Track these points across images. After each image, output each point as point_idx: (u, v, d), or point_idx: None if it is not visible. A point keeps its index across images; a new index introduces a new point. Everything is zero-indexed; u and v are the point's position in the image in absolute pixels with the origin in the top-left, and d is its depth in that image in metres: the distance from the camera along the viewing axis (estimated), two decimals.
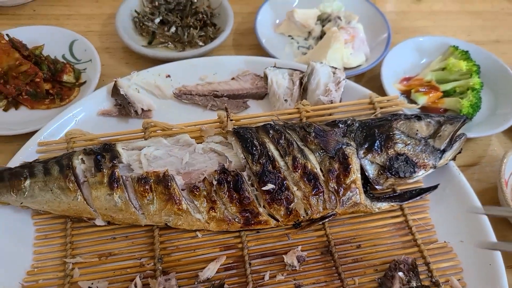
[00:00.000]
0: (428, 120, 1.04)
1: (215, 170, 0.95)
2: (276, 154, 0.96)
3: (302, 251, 0.94)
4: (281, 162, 0.96)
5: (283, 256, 0.93)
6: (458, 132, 1.03)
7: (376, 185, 1.00)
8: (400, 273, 0.89)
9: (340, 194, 0.96)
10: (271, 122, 1.02)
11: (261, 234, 0.97)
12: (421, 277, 0.91)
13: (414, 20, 1.64)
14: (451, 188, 1.04)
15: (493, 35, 1.62)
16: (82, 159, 0.95)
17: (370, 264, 0.94)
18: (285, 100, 1.15)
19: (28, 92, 1.17)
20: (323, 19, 1.44)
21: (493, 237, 0.95)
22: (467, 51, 1.35)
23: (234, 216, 0.95)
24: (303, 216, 0.96)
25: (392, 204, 1.00)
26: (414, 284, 0.88)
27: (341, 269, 0.92)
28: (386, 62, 1.31)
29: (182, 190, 0.95)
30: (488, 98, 1.31)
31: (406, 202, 1.01)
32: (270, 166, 0.94)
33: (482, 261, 0.93)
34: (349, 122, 1.03)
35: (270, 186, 0.93)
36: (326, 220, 0.97)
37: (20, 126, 1.12)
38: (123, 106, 1.12)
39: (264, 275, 0.91)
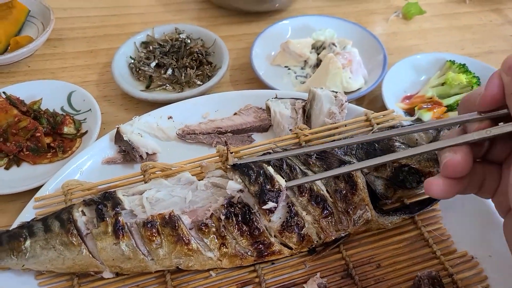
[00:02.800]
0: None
1: (222, 205, 0.88)
2: (273, 173, 0.90)
3: (321, 277, 0.87)
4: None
5: (303, 286, 0.86)
6: None
7: (385, 199, 0.94)
8: None
9: (351, 213, 0.89)
10: (270, 150, 0.97)
11: (276, 265, 0.90)
12: None
13: (406, 40, 1.60)
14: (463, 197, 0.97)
15: (485, 47, 1.57)
16: (82, 211, 0.88)
17: (393, 283, 0.87)
18: (290, 130, 1.10)
19: (29, 147, 1.12)
20: (318, 47, 1.40)
21: None
22: (464, 64, 1.31)
23: (246, 250, 0.88)
24: (317, 241, 0.89)
25: (404, 216, 0.94)
26: None
27: None
28: (386, 83, 1.26)
29: (190, 229, 0.88)
30: None
31: (417, 213, 0.95)
32: (269, 185, 0.88)
33: (505, 265, 0.87)
34: None
35: (271, 205, 0.86)
36: (341, 241, 0.90)
37: (24, 183, 1.05)
38: (128, 152, 1.06)
39: None
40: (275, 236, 0.89)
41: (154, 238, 0.85)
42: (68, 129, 1.17)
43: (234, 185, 0.89)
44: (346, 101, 1.09)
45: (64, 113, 1.22)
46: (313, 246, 0.90)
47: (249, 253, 0.88)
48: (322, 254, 0.91)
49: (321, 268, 0.89)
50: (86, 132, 1.18)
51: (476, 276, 0.88)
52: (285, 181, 0.89)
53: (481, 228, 0.94)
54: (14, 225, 0.90)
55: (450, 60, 1.33)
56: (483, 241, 0.92)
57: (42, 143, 1.13)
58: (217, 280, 0.89)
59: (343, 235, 0.91)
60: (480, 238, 0.93)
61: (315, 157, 0.94)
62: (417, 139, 0.98)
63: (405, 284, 0.87)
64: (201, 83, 1.30)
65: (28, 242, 0.85)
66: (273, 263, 0.91)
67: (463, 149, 0.62)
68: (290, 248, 0.90)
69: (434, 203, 0.97)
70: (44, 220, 0.88)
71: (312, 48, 1.40)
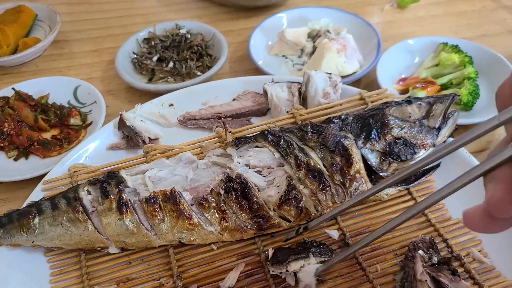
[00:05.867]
0: (419, 102, 1.00)
1: (221, 180, 0.90)
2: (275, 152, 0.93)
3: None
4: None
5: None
6: (450, 109, 0.99)
7: (381, 172, 0.95)
8: (420, 251, 0.82)
9: (347, 186, 0.90)
10: (268, 129, 0.99)
11: (276, 237, 0.91)
12: (441, 253, 0.85)
13: (401, 27, 1.61)
14: (455, 166, 0.97)
15: (479, 31, 1.58)
16: (87, 190, 0.91)
17: (389, 250, 0.88)
18: (287, 112, 1.12)
19: (39, 141, 1.15)
20: (313, 36, 1.43)
21: None
22: (457, 45, 1.31)
23: (246, 223, 0.89)
24: (314, 213, 0.90)
25: (399, 188, 0.95)
26: (435, 259, 0.81)
27: (361, 259, 0.86)
28: (380, 66, 1.28)
29: (191, 205, 0.89)
30: (485, 86, 1.26)
31: (413, 184, 0.96)
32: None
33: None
34: (343, 116, 0.99)
35: None
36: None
37: (32, 171, 1.08)
38: (131, 138, 1.08)
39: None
40: (273, 209, 0.91)
41: (156, 213, 0.87)
42: (74, 121, 1.20)
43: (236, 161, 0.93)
44: (340, 81, 1.11)
45: (71, 106, 1.25)
46: (311, 218, 0.91)
47: (249, 227, 0.90)
48: (320, 225, 0.92)
49: (319, 239, 0.90)
50: (91, 123, 1.21)
51: (471, 240, 0.89)
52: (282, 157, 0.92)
53: (475, 196, 0.93)
54: (24, 206, 0.93)
55: (443, 43, 1.33)
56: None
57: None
58: (219, 253, 0.90)
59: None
60: (473, 205, 0.93)
61: (311, 132, 0.95)
62: (410, 113, 0.99)
63: (400, 250, 0.88)
64: (201, 74, 1.33)
65: (37, 219, 0.87)
66: (272, 236, 0.92)
67: (504, 177, 0.47)
68: (289, 221, 0.91)
69: (428, 175, 0.98)
70: (52, 199, 0.90)
71: (308, 37, 1.43)
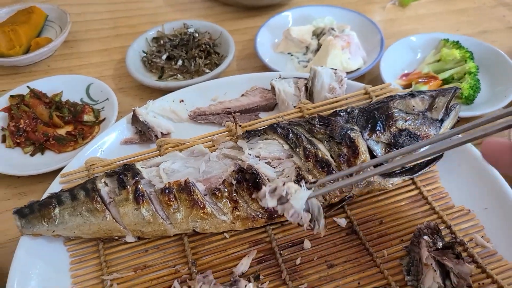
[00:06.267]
0: (422, 95, 1.03)
1: (233, 170, 0.94)
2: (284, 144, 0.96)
3: (328, 235, 0.92)
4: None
5: (311, 242, 0.91)
6: (452, 102, 1.02)
7: (385, 162, 0.98)
8: (426, 237, 0.85)
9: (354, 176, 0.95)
10: (277, 122, 1.02)
11: (286, 226, 0.94)
12: (445, 239, 0.88)
13: (403, 25, 1.65)
14: (458, 156, 1.02)
15: (479, 27, 1.62)
16: (104, 182, 0.94)
17: (395, 236, 0.91)
18: (294, 106, 1.16)
19: (55, 137, 1.19)
20: (318, 33, 1.47)
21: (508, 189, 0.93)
22: (458, 41, 1.35)
23: (257, 213, 0.93)
24: (322, 203, 0.94)
25: (404, 178, 0.98)
26: (440, 244, 0.85)
27: (368, 245, 0.89)
28: (384, 62, 1.31)
29: (204, 195, 0.93)
30: (486, 80, 1.29)
31: (417, 174, 0.99)
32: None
33: (499, 215, 0.92)
34: (348, 110, 1.01)
35: None
36: (344, 203, 0.95)
37: (49, 166, 1.12)
38: (144, 132, 1.12)
39: (295, 261, 0.88)
40: None
41: (171, 203, 0.91)
42: (87, 117, 1.24)
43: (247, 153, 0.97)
44: (345, 77, 1.14)
45: (84, 104, 1.28)
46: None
47: (260, 216, 0.93)
48: (327, 215, 0.95)
49: (327, 226, 0.93)
50: (104, 119, 1.25)
51: (473, 227, 0.93)
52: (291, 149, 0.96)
53: (477, 184, 0.98)
54: (43, 198, 0.96)
55: (444, 39, 1.37)
56: (479, 196, 0.96)
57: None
58: (231, 241, 0.94)
59: (347, 196, 0.96)
60: (475, 194, 0.97)
61: (319, 124, 0.99)
62: (413, 106, 1.02)
63: (406, 236, 0.92)
64: (209, 71, 1.36)
65: (57, 210, 0.91)
66: (282, 224, 0.96)
67: None
68: None
69: (432, 165, 1.01)
70: (71, 190, 0.94)
71: (313, 35, 1.46)
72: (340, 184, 0.83)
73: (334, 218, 0.95)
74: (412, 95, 1.04)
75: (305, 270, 0.88)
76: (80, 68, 1.48)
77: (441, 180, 1.02)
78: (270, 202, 0.77)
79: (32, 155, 1.18)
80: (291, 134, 0.98)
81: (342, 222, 0.94)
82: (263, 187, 0.79)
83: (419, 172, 1.00)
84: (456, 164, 1.02)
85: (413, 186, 1.01)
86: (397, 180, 0.99)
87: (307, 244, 0.92)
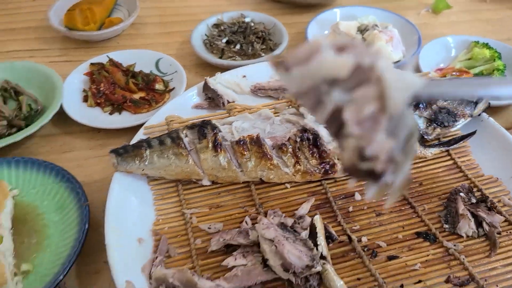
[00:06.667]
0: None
1: (298, 130, 1.10)
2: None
3: None
4: None
5: (361, 195, 1.06)
6: None
7: (426, 135, 1.14)
8: (461, 194, 1.01)
9: None
10: None
11: (338, 182, 1.10)
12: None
13: (436, 29, 1.80)
14: (488, 135, 1.17)
15: (504, 36, 1.78)
16: (185, 133, 1.09)
17: (433, 195, 1.06)
18: None
19: (131, 100, 1.35)
20: (362, 29, 1.63)
21: None
22: (487, 43, 1.52)
23: (315, 168, 1.07)
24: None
25: (441, 149, 1.14)
26: (474, 200, 1.01)
27: (410, 199, 1.05)
28: (422, 56, 1.47)
29: (272, 149, 1.09)
30: None
31: (453, 147, 1.15)
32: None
33: None
34: None
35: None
36: None
37: (125, 124, 1.27)
38: (213, 99, 1.27)
39: (348, 209, 1.04)
40: (338, 158, 1.09)
41: (244, 153, 1.06)
42: (158, 86, 1.40)
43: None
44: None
45: (154, 74, 1.45)
46: None
47: (317, 171, 1.08)
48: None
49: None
50: (174, 88, 1.41)
51: (501, 191, 1.08)
52: None
53: (504, 158, 1.13)
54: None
55: (475, 41, 1.53)
56: (505, 167, 1.11)
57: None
58: (292, 191, 1.09)
59: None
60: (503, 165, 1.12)
61: None
62: None
63: (443, 195, 1.07)
64: (265, 55, 1.52)
65: (148, 151, 1.06)
66: (335, 180, 1.11)
67: None
68: None
69: (466, 139, 1.16)
70: (159, 137, 1.09)
71: (357, 31, 1.62)
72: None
73: None
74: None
75: (357, 216, 1.03)
76: (146, 46, 1.63)
77: (472, 154, 1.17)
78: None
79: (110, 113, 1.34)
80: None
81: None
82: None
83: (454, 145, 1.15)
84: (486, 141, 1.17)
85: (448, 157, 1.16)
86: (435, 150, 1.14)
87: (357, 196, 1.06)
